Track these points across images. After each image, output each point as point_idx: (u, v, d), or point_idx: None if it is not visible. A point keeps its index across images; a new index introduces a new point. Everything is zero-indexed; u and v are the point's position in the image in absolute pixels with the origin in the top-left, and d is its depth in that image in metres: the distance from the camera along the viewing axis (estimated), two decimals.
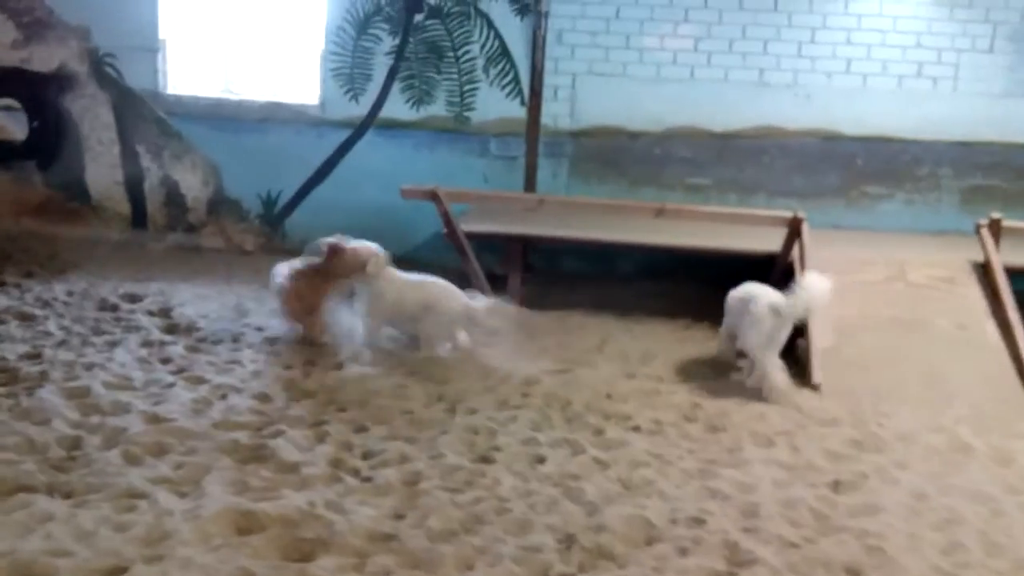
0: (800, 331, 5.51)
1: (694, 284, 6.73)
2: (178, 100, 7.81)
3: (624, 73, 7.30)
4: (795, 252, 6.07)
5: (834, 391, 5.16)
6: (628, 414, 4.75)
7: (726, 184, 7.16)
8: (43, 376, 4.80)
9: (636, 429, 4.57)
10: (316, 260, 5.56)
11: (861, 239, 6.84)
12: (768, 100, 7.28)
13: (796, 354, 5.65)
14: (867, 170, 7.32)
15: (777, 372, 5.10)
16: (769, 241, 6.33)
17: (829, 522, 3.72)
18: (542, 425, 4.57)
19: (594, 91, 7.30)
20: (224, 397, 4.66)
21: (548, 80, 7.34)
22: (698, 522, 3.63)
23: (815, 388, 5.19)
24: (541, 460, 4.16)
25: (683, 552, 3.43)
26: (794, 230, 6.02)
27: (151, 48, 7.71)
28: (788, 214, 6.05)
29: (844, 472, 4.19)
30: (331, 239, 5.55)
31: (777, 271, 6.17)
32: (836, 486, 4.05)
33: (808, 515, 3.77)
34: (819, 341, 5.43)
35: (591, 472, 4.05)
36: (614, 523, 3.57)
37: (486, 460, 4.13)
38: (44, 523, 3.35)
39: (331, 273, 5.54)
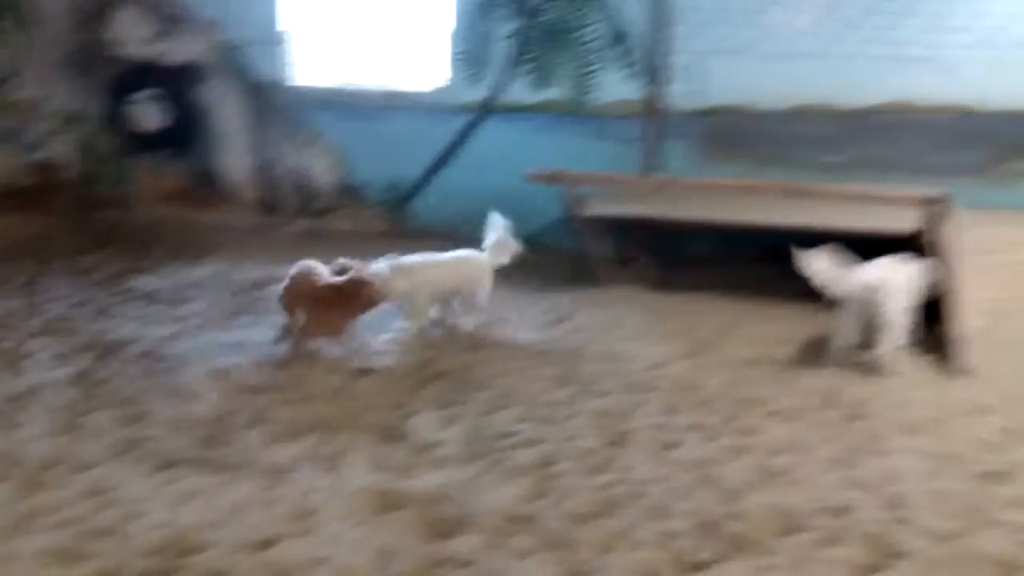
0: (936, 315, 5.29)
1: None
2: (305, 89, 8.00)
3: (752, 50, 7.09)
4: (934, 232, 5.81)
5: (983, 376, 4.91)
6: (762, 399, 4.64)
7: (859, 163, 6.88)
8: (187, 356, 5.01)
9: (771, 415, 4.46)
10: (335, 280, 5.05)
11: (1006, 218, 6.49)
12: (903, 75, 6.96)
13: (937, 338, 5.43)
14: (1010, 146, 6.93)
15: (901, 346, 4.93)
16: (906, 221, 6.08)
17: (980, 514, 3.55)
18: (673, 409, 4.51)
19: (719, 69, 7.12)
20: (359, 377, 4.76)
21: (671, 59, 7.20)
22: (841, 512, 3.52)
23: (964, 373, 4.96)
24: (675, 445, 4.11)
25: (827, 542, 3.33)
26: (934, 209, 5.76)
27: (277, 39, 7.91)
28: (927, 193, 5.79)
29: (995, 462, 3.98)
30: (352, 265, 5.11)
31: (915, 252, 5.91)
32: (987, 477, 3.86)
33: (958, 507, 3.60)
34: (967, 324, 5.18)
35: (726, 458, 3.98)
36: (753, 511, 3.50)
37: (618, 444, 4.11)
38: (195, 497, 3.51)
39: (353, 303, 5.05)
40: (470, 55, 7.58)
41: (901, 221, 6.11)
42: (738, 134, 7.08)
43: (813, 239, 6.41)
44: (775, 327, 5.78)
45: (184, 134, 8.27)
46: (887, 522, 3.46)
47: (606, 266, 6.56)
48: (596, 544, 3.27)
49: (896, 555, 3.25)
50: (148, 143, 8.37)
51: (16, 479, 3.58)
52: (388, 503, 3.52)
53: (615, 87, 7.35)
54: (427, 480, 3.68)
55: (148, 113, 8.33)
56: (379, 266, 5.19)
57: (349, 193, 8.06)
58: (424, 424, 4.24)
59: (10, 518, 3.30)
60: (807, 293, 5.06)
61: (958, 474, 3.88)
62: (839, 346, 5.10)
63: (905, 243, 5.99)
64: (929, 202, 5.78)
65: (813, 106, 6.98)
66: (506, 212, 7.51)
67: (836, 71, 6.97)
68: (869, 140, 6.89)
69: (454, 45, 7.62)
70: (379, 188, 7.95)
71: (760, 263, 6.95)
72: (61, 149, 8.36)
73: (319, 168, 8.10)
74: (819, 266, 5.04)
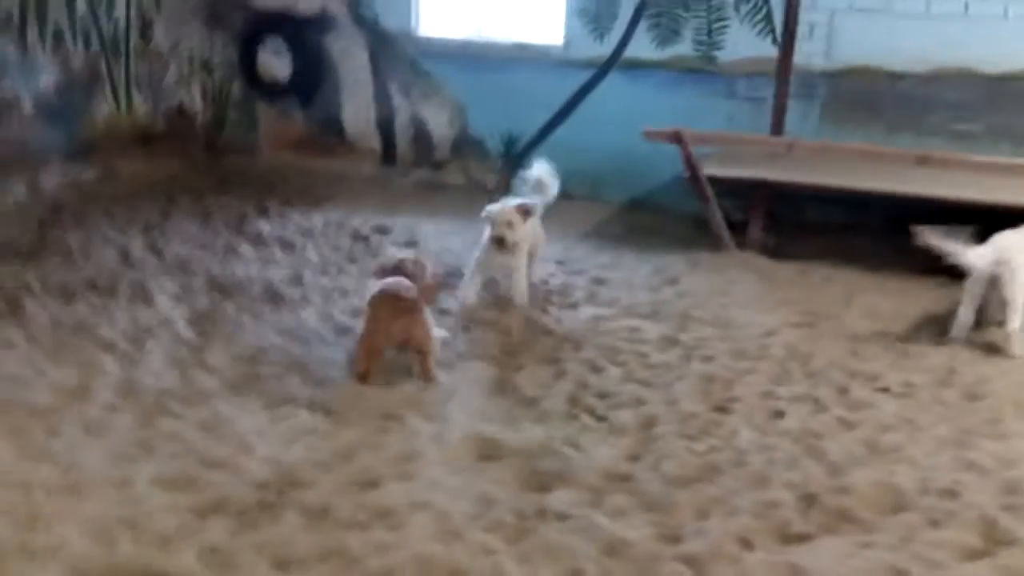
0: None
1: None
2: (429, 41, 8.04)
3: (888, 9, 6.75)
4: None
5: None
6: (876, 374, 4.49)
7: (999, 132, 6.51)
8: (304, 299, 5.17)
9: (885, 390, 4.31)
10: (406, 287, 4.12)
11: None
12: None
13: None
14: None
15: None
16: None
17: None
18: (782, 379, 4.41)
19: (854, 28, 6.81)
20: (467, 329, 4.82)
21: (803, 16, 6.91)
22: (952, 494, 3.38)
23: None
24: (780, 415, 4.03)
25: (935, 524, 3.21)
26: None
27: None
28: None
29: None
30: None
31: None
32: None
33: None
34: None
35: (834, 432, 3.88)
36: (859, 486, 3.40)
37: (723, 410, 4.05)
38: (306, 436, 3.63)
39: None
40: (594, 9, 7.47)
41: None
42: (868, 97, 6.79)
43: (942, 211, 6.16)
44: (894, 301, 5.57)
45: (309, 83, 8.44)
46: (999, 507, 3.31)
47: (722, 229, 6.42)
48: (693, 508, 3.24)
49: (1006, 542, 3.11)
50: (275, 91, 8.58)
51: (136, 408, 3.77)
52: (490, 453, 3.57)
53: (743, 44, 7.13)
54: (529, 433, 3.72)
55: (276, 62, 8.53)
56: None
57: (467, 146, 8.09)
58: (530, 378, 4.27)
59: (128, 444, 3.48)
60: (930, 267, 4.84)
61: None
62: (962, 323, 4.88)
63: None
64: None
65: (952, 69, 6.62)
66: (623, 170, 7.49)
67: (980, 33, 6.59)
68: (1011, 109, 6.50)
69: (573, 2, 7.51)
70: (497, 142, 7.95)
71: (884, 233, 6.70)
72: (192, 96, 8.67)
73: (439, 120, 8.16)
74: (944, 241, 4.79)
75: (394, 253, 4.69)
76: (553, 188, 5.58)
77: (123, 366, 4.16)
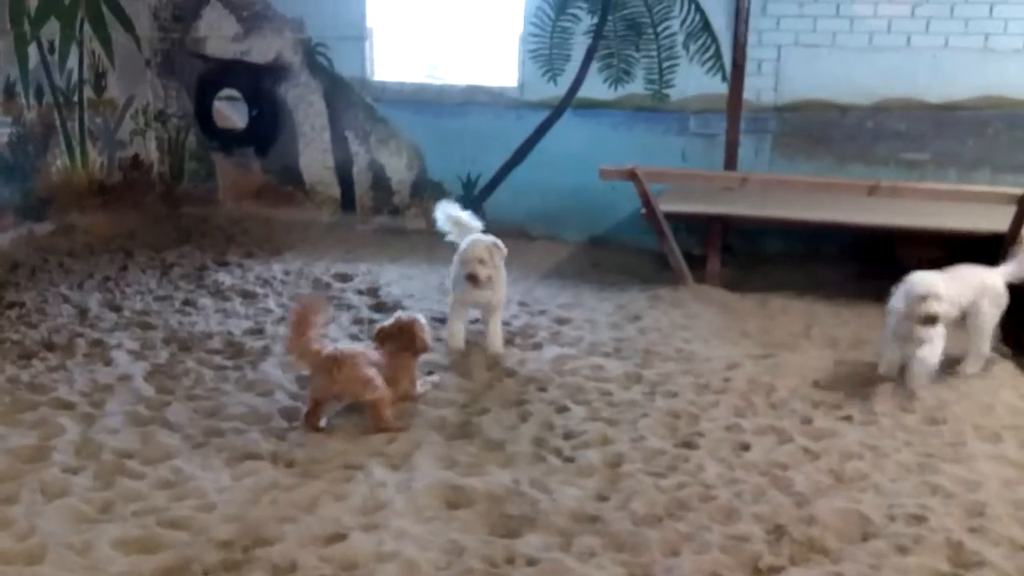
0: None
1: (907, 267, 6.33)
2: (384, 86, 8.09)
3: (833, 43, 6.94)
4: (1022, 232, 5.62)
5: None
6: (838, 403, 4.54)
7: (945, 159, 6.68)
8: (265, 350, 5.12)
9: (847, 419, 4.35)
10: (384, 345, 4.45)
11: None
12: (993, 68, 6.72)
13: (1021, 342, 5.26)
14: None
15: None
16: (994, 220, 5.89)
17: None
18: (746, 411, 4.44)
19: (801, 63, 6.98)
20: (431, 374, 4.81)
21: (751, 53, 7.07)
22: (918, 519, 3.43)
23: None
24: (746, 447, 4.05)
25: (902, 550, 3.25)
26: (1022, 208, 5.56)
27: (359, 36, 8.01)
28: (1018, 190, 5.59)
29: None
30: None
31: (1003, 253, 5.72)
32: None
33: None
34: None
35: (800, 462, 3.91)
36: (826, 516, 3.43)
37: (689, 445, 4.07)
38: (270, 490, 3.58)
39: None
40: (547, 52, 7.57)
41: (988, 221, 5.93)
42: (818, 129, 6.93)
43: (895, 238, 6.29)
44: (852, 328, 5.65)
45: (266, 132, 8.45)
46: (965, 531, 3.36)
47: (681, 264, 6.48)
48: (663, 546, 3.25)
49: (973, 564, 3.15)
50: (232, 140, 8.58)
51: (96, 469, 3.71)
52: (457, 499, 3.55)
53: (693, 82, 7.27)
54: (496, 478, 3.70)
55: (232, 111, 8.53)
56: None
57: (426, 189, 8.12)
58: (495, 421, 4.26)
59: (88, 506, 3.42)
60: (889, 294, 4.91)
61: None
62: (888, 360, 4.89)
63: (991, 243, 5.82)
64: (1016, 201, 5.59)
65: (897, 100, 6.79)
66: (581, 209, 7.55)
67: (923, 64, 6.79)
68: (956, 137, 6.67)
69: (530, 42, 7.61)
70: (456, 185, 7.99)
71: (839, 262, 6.82)
72: (148, 147, 8.63)
73: (397, 165, 8.19)
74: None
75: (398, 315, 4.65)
76: (473, 221, 5.60)
77: (82, 426, 4.08)
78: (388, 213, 8.26)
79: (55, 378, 4.63)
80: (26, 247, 7.09)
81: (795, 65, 7.01)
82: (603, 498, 3.58)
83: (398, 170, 8.18)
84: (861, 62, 6.86)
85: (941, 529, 3.36)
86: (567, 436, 4.14)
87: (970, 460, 3.95)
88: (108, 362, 4.88)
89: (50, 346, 5.10)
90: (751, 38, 7.05)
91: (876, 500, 3.58)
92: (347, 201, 8.35)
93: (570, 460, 3.90)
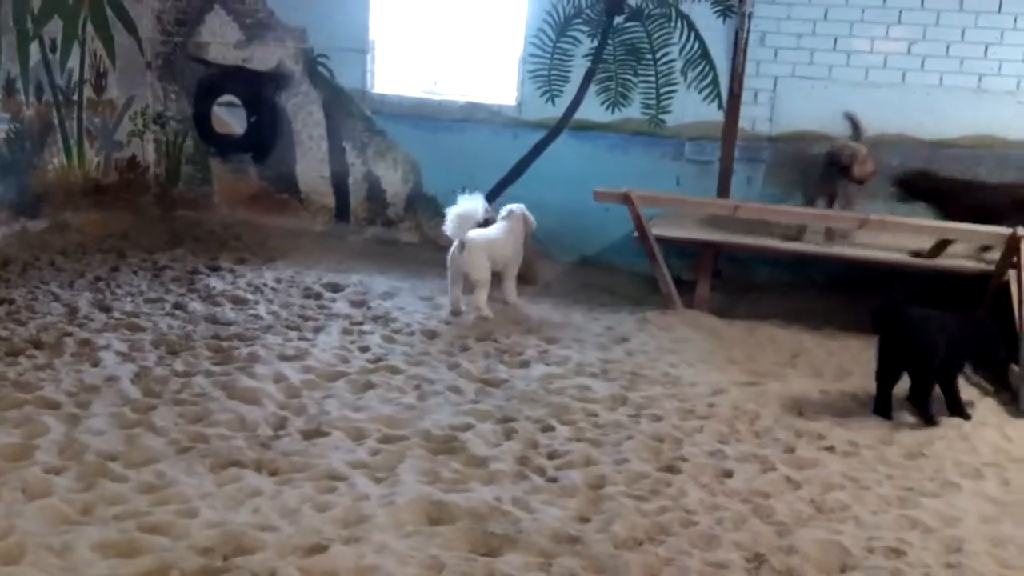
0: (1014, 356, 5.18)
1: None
2: (383, 99, 8.12)
3: (829, 77, 7.01)
4: (1009, 271, 5.68)
5: None
6: (821, 432, 4.57)
7: None
8: (253, 357, 5.13)
9: (830, 449, 4.38)
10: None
11: None
12: (987, 107, 6.80)
13: (1009, 380, 5.30)
14: None
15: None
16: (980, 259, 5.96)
17: None
18: (729, 438, 4.47)
19: (796, 95, 7.05)
20: (418, 387, 4.82)
21: (748, 83, 7.13)
22: (897, 553, 3.45)
23: None
24: (728, 474, 4.07)
25: None
26: (1012, 247, 5.62)
27: (361, 49, 8.05)
28: (1006, 230, 5.65)
29: None
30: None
31: (990, 291, 5.78)
32: None
33: (1018, 555, 3.51)
34: None
35: (781, 491, 3.93)
36: (806, 546, 3.45)
37: (672, 469, 4.08)
38: (252, 498, 3.59)
39: None
40: (547, 73, 7.62)
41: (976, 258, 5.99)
42: (811, 161, 6.97)
43: (882, 272, 6.34)
44: (837, 359, 5.69)
45: (264, 139, 8.46)
46: (942, 566, 3.38)
47: (670, 288, 6.52)
48: (643, 570, 3.25)
49: None
50: (229, 146, 8.59)
51: (78, 470, 3.70)
52: (439, 515, 3.55)
53: (690, 109, 7.32)
54: (479, 495, 3.71)
55: (231, 117, 8.55)
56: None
57: (420, 203, 8.14)
58: (480, 438, 4.27)
59: (70, 507, 3.41)
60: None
61: (1020, 521, 3.77)
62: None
63: (979, 280, 5.88)
64: (1006, 239, 5.65)
65: (891, 136, 6.85)
66: (573, 229, 7.58)
67: (917, 102, 6.85)
68: (947, 173, 6.71)
69: (530, 62, 7.66)
70: (450, 200, 7.99)
71: (827, 293, 6.86)
72: (145, 149, 8.64)
73: (393, 178, 8.21)
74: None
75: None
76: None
77: (66, 426, 4.08)
78: (381, 225, 8.28)
79: (42, 377, 4.63)
80: (19, 244, 7.09)
81: (791, 96, 7.07)
82: (584, 519, 3.59)
83: (394, 183, 8.20)
84: (856, 96, 6.92)
85: (919, 564, 3.39)
86: (551, 456, 4.16)
87: (950, 495, 3.98)
88: (96, 363, 4.88)
89: (38, 344, 5.10)
90: (749, 68, 7.11)
91: (856, 532, 3.60)
92: (341, 211, 8.37)
93: (553, 480, 3.92)
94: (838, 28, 6.97)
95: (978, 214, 5.91)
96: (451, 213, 6.11)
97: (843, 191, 6.46)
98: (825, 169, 6.46)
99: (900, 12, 6.86)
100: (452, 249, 6.12)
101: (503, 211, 6.54)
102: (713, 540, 3.48)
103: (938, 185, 6.28)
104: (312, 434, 4.20)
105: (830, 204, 6.50)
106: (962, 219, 5.96)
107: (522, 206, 6.58)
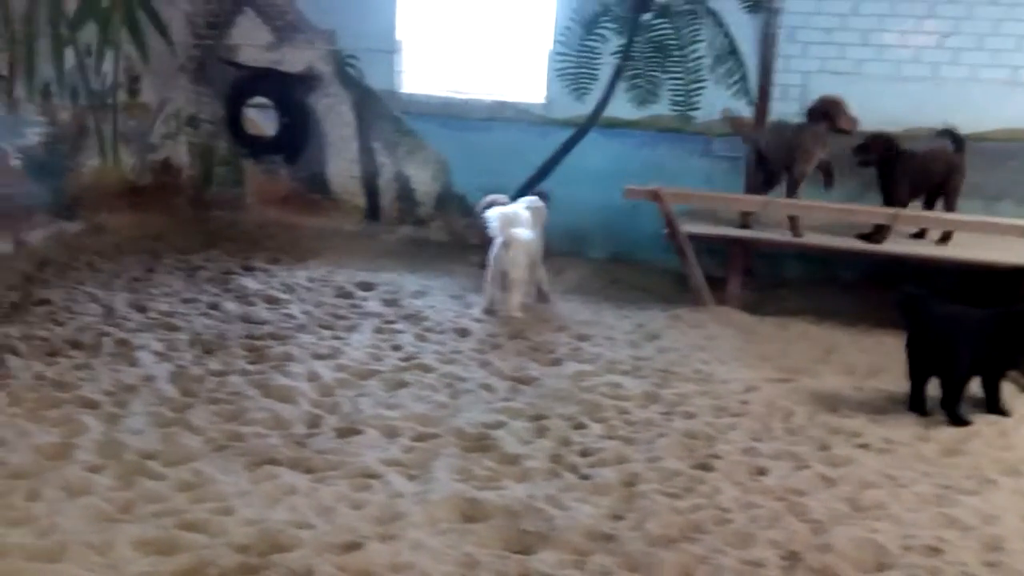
0: None
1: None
2: (412, 99, 8.16)
3: (860, 71, 6.96)
4: None
5: None
6: (856, 430, 4.54)
7: (970, 190, 6.61)
8: (287, 356, 5.17)
9: (865, 447, 4.35)
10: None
11: None
12: (1020, 101, 6.73)
13: None
14: None
15: None
16: (1016, 253, 5.89)
17: None
18: (763, 435, 4.45)
19: (827, 90, 6.91)
20: (450, 386, 4.84)
21: (778, 79, 7.09)
22: (934, 551, 3.42)
23: None
24: (763, 472, 4.05)
25: None
26: None
27: (390, 49, 8.09)
28: None
29: None
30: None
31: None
32: None
33: None
34: None
35: (816, 488, 3.91)
36: (842, 544, 3.43)
37: (705, 467, 4.07)
38: (288, 496, 3.62)
39: None
40: (575, 71, 7.62)
41: (1010, 253, 5.92)
42: (844, 156, 6.92)
43: (916, 267, 6.28)
44: (870, 356, 5.65)
45: (296, 140, 8.53)
46: (981, 564, 3.35)
47: (701, 285, 6.50)
48: (677, 568, 3.25)
49: None
50: (261, 147, 8.67)
51: (117, 468, 3.76)
52: (473, 513, 3.57)
53: (719, 104, 7.29)
54: (513, 492, 3.72)
55: (262, 118, 8.62)
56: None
57: (450, 202, 8.18)
58: (513, 435, 4.29)
59: (109, 505, 3.46)
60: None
61: None
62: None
63: (1015, 276, 5.81)
64: None
65: (922, 129, 6.77)
66: (603, 226, 7.59)
67: (949, 95, 6.79)
68: (981, 168, 6.64)
69: (558, 60, 7.66)
70: (480, 198, 8.01)
71: (859, 289, 6.81)
72: (179, 151, 8.74)
73: (423, 177, 8.25)
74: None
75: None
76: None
77: (105, 425, 4.14)
78: (412, 224, 8.32)
79: (80, 376, 4.70)
80: (56, 245, 7.20)
81: (821, 91, 6.98)
82: (618, 517, 3.59)
83: (423, 182, 8.24)
84: (888, 90, 6.87)
85: (957, 562, 3.35)
86: (584, 453, 4.16)
87: (988, 493, 3.94)
88: (133, 362, 4.95)
89: (76, 344, 5.17)
90: (778, 63, 7.07)
91: (892, 530, 3.58)
92: (372, 211, 8.42)
93: (586, 478, 3.92)
94: (868, 22, 6.93)
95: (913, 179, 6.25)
96: (496, 213, 6.13)
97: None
98: (810, 134, 6.33)
99: (932, 5, 6.81)
100: (495, 247, 6.11)
101: (522, 204, 6.46)
102: (748, 538, 3.47)
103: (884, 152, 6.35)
104: (346, 432, 4.23)
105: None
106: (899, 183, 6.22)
107: (537, 199, 6.53)
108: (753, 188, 6.80)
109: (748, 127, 6.67)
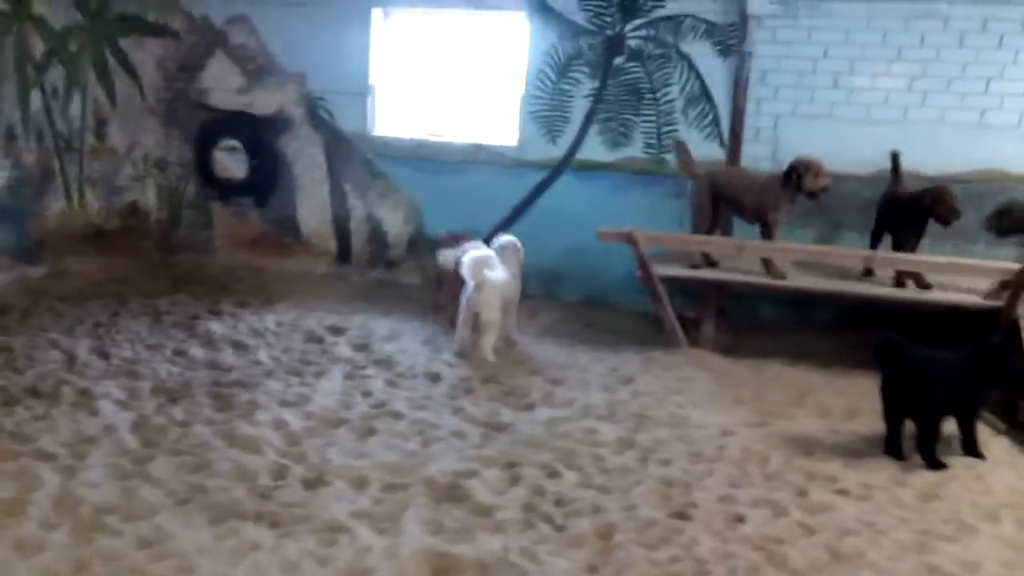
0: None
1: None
2: (384, 142, 8.13)
3: (831, 114, 7.01)
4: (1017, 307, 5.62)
5: None
6: (833, 475, 4.47)
7: (941, 231, 6.67)
8: (253, 404, 5.04)
9: (843, 492, 4.29)
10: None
11: None
12: (989, 143, 6.78)
13: (1019, 417, 5.21)
14: None
15: None
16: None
17: None
18: (740, 481, 4.37)
19: (798, 132, 7.03)
20: (421, 433, 4.74)
21: (749, 121, 7.13)
22: None
23: None
24: (740, 519, 3.97)
25: None
26: (1021, 283, 5.56)
27: (361, 92, 8.07)
28: (1015, 266, 5.60)
29: None
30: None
31: (1000, 328, 5.71)
32: None
33: None
34: None
35: (795, 537, 3.83)
36: None
37: (682, 516, 3.99)
38: (252, 551, 3.50)
39: None
40: (548, 114, 7.62)
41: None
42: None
43: (889, 308, 6.28)
44: (845, 399, 5.60)
45: (265, 183, 8.46)
46: None
47: (675, 327, 6.45)
48: None
49: None
50: (231, 190, 8.58)
51: (73, 524, 3.62)
52: (444, 567, 3.46)
53: (691, 147, 7.27)
54: (485, 545, 3.61)
55: (232, 161, 8.55)
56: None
57: (422, 245, 8.11)
58: (485, 484, 4.18)
59: (64, 565, 3.32)
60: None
61: None
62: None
63: (985, 316, 5.82)
64: (1013, 275, 5.60)
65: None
66: (576, 268, 7.54)
67: (919, 137, 6.83)
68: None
69: (531, 103, 7.67)
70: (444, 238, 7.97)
71: (834, 331, 6.80)
72: (146, 194, 8.63)
73: (394, 219, 8.19)
74: None
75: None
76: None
77: (62, 478, 4.00)
78: (383, 267, 8.24)
79: (39, 427, 4.55)
80: (18, 290, 7.05)
81: (792, 134, 7.05)
82: (593, 570, 3.50)
83: (395, 224, 8.18)
84: (858, 133, 6.91)
85: None
86: (558, 503, 4.06)
87: (967, 539, 3.88)
88: (93, 412, 4.81)
89: (36, 393, 5.02)
90: (749, 106, 7.12)
91: None
92: (343, 253, 8.35)
93: (561, 528, 3.82)
94: (838, 65, 6.98)
95: None
96: (468, 257, 6.07)
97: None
98: (779, 188, 6.29)
99: (900, 49, 6.86)
100: (467, 291, 6.04)
101: (495, 244, 6.44)
102: None
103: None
104: (313, 483, 4.11)
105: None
106: None
107: (514, 239, 6.48)
108: (697, 228, 6.71)
109: (691, 166, 6.65)
